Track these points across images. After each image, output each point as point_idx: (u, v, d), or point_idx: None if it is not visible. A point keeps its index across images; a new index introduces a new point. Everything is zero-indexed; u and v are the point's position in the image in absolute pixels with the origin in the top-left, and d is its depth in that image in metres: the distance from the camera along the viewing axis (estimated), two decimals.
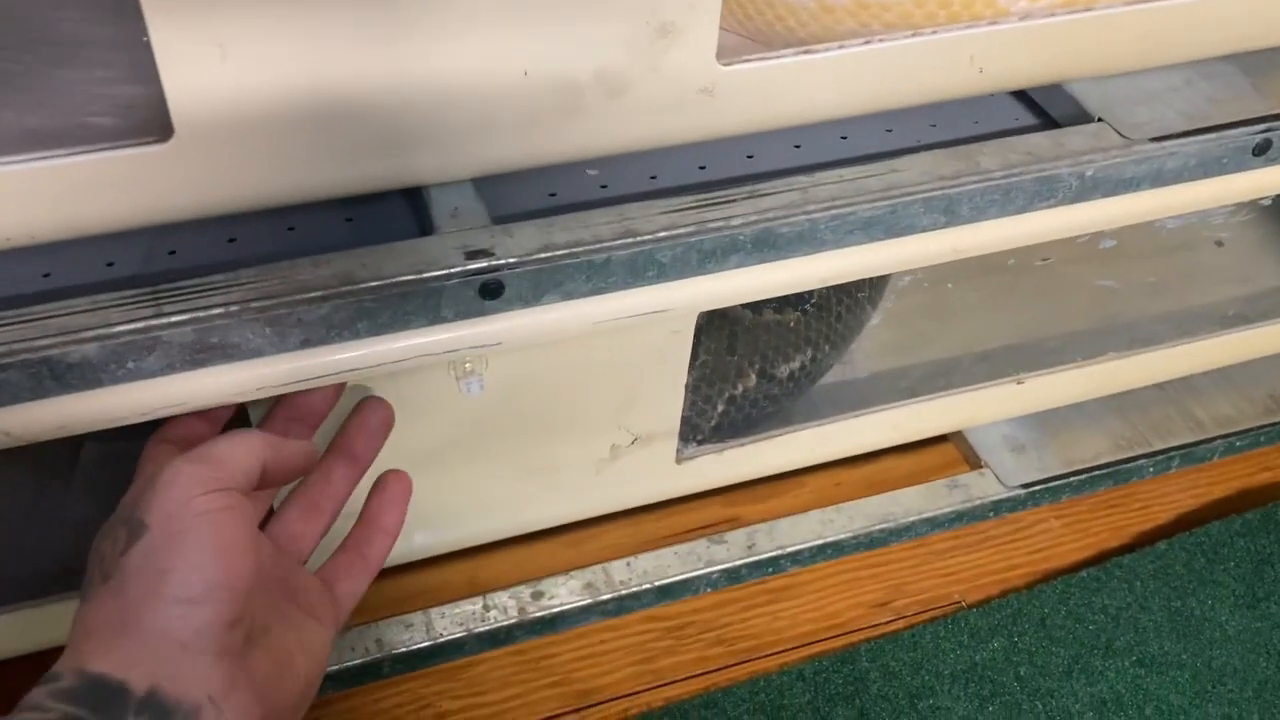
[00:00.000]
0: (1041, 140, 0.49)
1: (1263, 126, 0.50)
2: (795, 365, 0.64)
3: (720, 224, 0.45)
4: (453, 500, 0.57)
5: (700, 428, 0.61)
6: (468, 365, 0.48)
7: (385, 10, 0.38)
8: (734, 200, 0.46)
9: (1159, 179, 0.50)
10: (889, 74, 0.46)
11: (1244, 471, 0.80)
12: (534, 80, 0.41)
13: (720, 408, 0.62)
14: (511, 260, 0.42)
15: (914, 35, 0.45)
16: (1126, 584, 0.72)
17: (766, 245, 0.46)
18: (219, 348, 0.41)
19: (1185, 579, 0.72)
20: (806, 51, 0.44)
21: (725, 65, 0.43)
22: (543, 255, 0.43)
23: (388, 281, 0.41)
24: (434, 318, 0.42)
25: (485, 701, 0.67)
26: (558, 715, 0.66)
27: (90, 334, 0.39)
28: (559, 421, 0.55)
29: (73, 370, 0.39)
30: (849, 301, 0.66)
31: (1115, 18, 0.48)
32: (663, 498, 0.67)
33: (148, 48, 0.36)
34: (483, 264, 0.42)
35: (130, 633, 0.36)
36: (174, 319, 0.40)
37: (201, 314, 0.40)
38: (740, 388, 0.63)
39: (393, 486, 0.47)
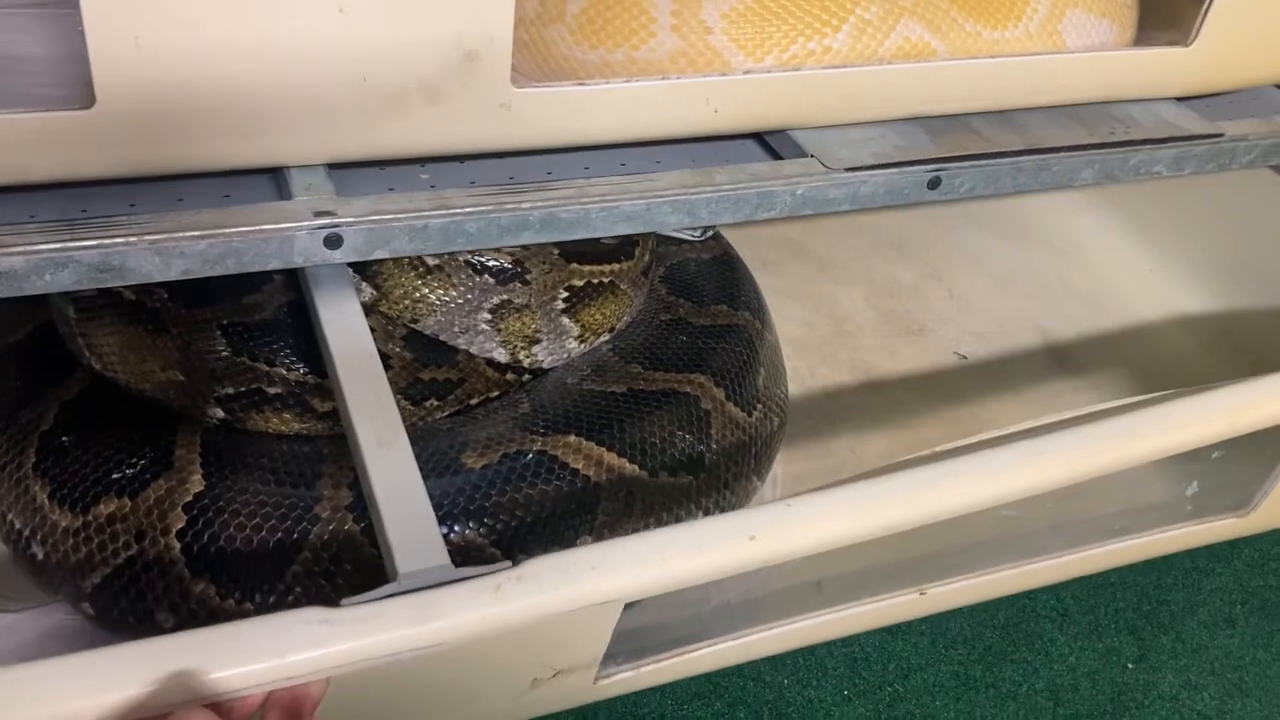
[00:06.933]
0: (764, 166, 0.65)
1: (934, 166, 0.67)
2: None
3: (514, 206, 0.59)
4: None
5: None
6: None
7: (258, 26, 0.52)
8: (528, 191, 0.60)
9: (855, 200, 0.66)
10: (646, 108, 0.62)
11: None
12: (371, 85, 0.55)
13: None
14: (350, 220, 0.56)
15: (663, 78, 0.62)
16: None
17: (551, 226, 0.60)
18: (118, 269, 0.53)
19: None
20: (581, 84, 0.60)
21: (519, 89, 0.59)
22: (374, 217, 0.57)
23: (252, 229, 0.55)
24: (287, 260, 0.56)
25: None
26: None
27: (17, 250, 0.51)
28: (485, 667, 0.58)
29: (1, 278, 0.51)
30: (735, 470, 0.75)
31: (819, 78, 0.65)
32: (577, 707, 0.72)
33: (80, 35, 0.50)
34: (327, 221, 0.56)
35: None
36: (85, 243, 0.52)
37: (107, 241, 0.53)
38: None
39: None
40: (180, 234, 0.54)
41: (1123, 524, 0.79)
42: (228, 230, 0.54)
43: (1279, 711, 0.81)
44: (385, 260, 0.68)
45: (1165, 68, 0.75)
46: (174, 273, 0.54)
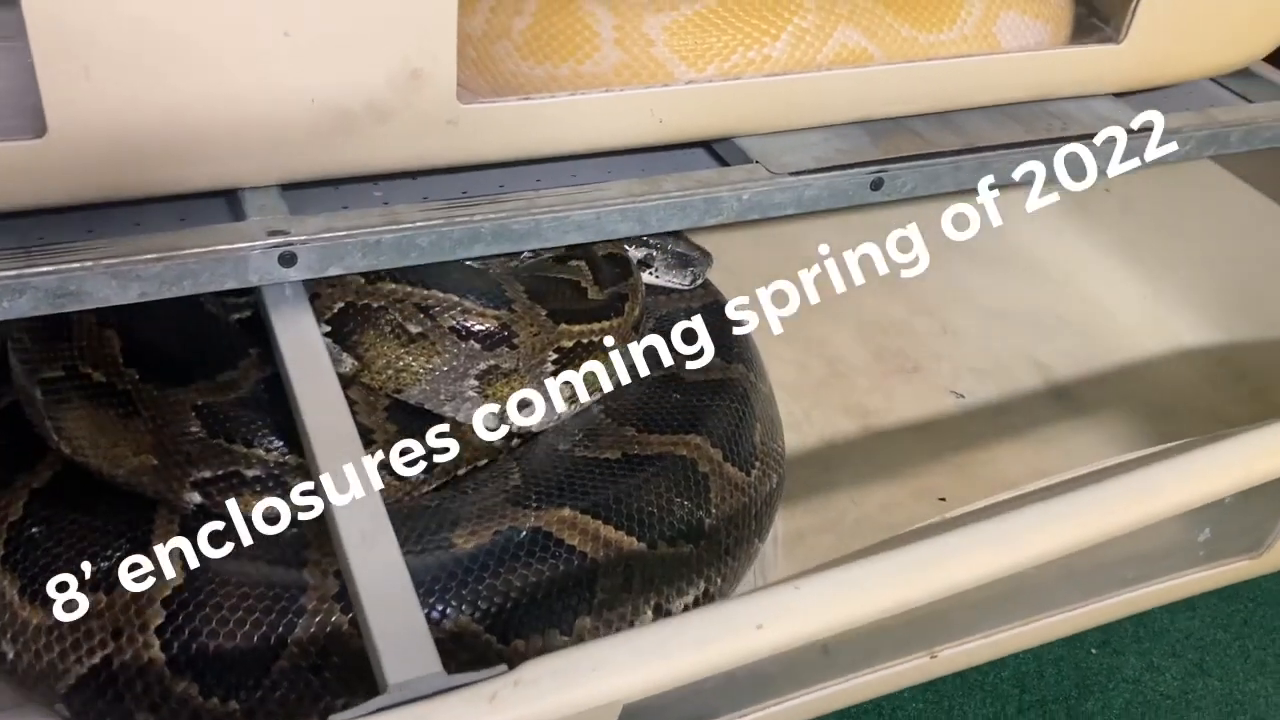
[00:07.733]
0: (710, 173, 0.67)
1: (876, 168, 0.69)
2: (689, 599, 0.68)
3: (466, 219, 0.61)
4: None
5: None
6: None
7: (206, 52, 0.53)
8: (479, 204, 0.62)
9: (800, 204, 0.68)
10: (591, 120, 0.64)
11: None
12: (319, 106, 0.57)
13: None
14: (303, 237, 0.57)
15: (608, 90, 0.63)
16: None
17: (503, 237, 0.62)
18: (75, 294, 0.54)
19: None
20: (526, 98, 0.62)
21: (465, 104, 0.60)
22: (327, 235, 0.58)
23: (207, 250, 0.56)
24: (242, 279, 0.57)
25: None
26: None
27: None
28: None
29: None
30: (737, 533, 0.73)
31: (760, 86, 0.67)
32: None
33: (30, 69, 0.51)
34: (280, 239, 0.57)
35: None
36: (42, 269, 0.53)
37: (64, 267, 0.54)
38: (636, 626, 0.65)
39: None
40: (136, 257, 0.55)
41: (1136, 571, 0.77)
42: (183, 252, 0.55)
43: (1239, 689, 0.83)
44: (366, 330, 0.68)
45: (1099, 65, 0.77)
46: (132, 295, 0.55)
